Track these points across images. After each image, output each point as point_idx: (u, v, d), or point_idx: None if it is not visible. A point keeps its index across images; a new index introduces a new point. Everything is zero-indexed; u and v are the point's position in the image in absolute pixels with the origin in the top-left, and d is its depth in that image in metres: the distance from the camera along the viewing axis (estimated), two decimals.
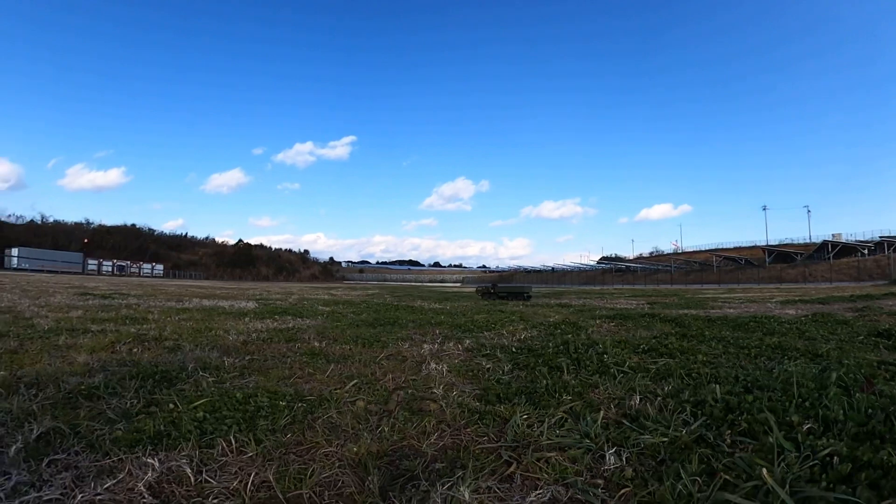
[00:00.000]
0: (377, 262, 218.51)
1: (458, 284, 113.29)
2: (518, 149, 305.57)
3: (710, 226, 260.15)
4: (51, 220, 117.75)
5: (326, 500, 1.76)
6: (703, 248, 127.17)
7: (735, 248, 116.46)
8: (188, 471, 1.90)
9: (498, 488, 1.79)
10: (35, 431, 2.22)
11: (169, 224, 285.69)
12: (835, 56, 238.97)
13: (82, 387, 2.99)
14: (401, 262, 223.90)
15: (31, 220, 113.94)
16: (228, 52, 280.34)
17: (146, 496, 1.73)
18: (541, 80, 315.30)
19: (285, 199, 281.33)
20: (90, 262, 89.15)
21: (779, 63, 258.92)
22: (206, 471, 1.94)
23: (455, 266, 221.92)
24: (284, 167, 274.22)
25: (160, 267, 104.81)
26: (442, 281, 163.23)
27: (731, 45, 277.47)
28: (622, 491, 1.74)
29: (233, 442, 2.20)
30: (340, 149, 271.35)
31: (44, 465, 1.91)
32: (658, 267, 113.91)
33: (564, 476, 1.87)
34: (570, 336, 6.09)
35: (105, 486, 1.76)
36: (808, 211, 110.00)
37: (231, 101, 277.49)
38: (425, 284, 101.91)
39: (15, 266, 72.34)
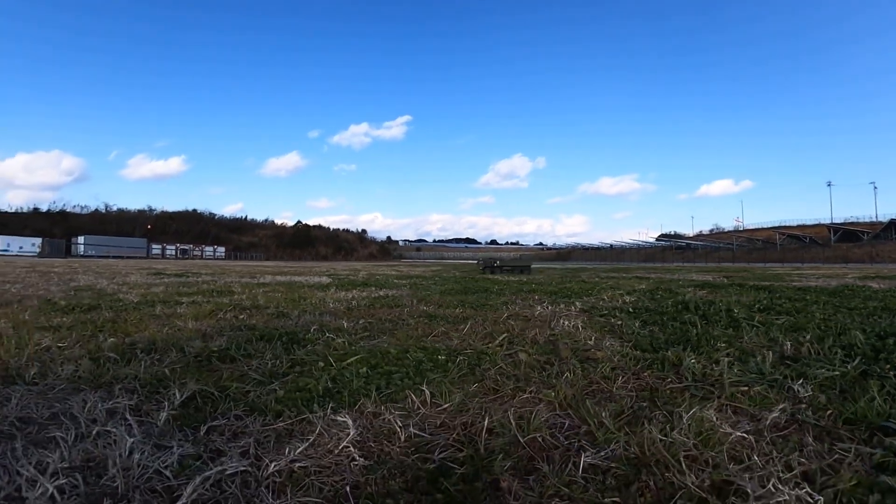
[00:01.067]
0: (434, 241, 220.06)
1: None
2: (575, 124, 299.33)
3: (772, 202, 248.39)
4: (114, 208, 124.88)
5: (564, 440, 1.66)
6: (765, 226, 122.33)
7: (798, 226, 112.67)
8: (397, 426, 1.67)
9: (718, 417, 1.82)
10: (178, 397, 1.98)
11: (229, 208, 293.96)
12: None
13: (213, 349, 2.79)
14: (457, 240, 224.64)
15: (96, 210, 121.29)
16: (282, 37, 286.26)
17: (357, 457, 1.46)
18: (597, 52, 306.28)
19: (342, 180, 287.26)
20: (154, 246, 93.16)
21: (844, 31, 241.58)
22: (412, 424, 1.72)
23: (512, 244, 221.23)
24: (340, 149, 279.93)
25: (222, 249, 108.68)
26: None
27: (795, 12, 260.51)
28: (828, 412, 1.88)
29: (425, 394, 2.02)
30: (396, 129, 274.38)
31: (202, 432, 1.65)
32: (720, 245, 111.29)
33: (767, 404, 1.97)
34: (679, 297, 6.19)
35: (299, 449, 1.48)
36: (875, 187, 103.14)
37: (286, 86, 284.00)
38: None
39: (81, 253, 76.62)
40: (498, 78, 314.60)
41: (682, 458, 1.44)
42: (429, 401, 1.96)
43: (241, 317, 4.39)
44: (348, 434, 1.58)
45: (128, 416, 1.74)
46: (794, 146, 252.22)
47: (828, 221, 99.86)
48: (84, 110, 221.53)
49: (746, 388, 2.17)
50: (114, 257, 64.48)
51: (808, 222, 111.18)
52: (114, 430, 1.60)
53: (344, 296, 6.75)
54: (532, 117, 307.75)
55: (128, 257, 68.77)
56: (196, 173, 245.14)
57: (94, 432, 1.61)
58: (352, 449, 1.49)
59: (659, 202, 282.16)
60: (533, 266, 21.55)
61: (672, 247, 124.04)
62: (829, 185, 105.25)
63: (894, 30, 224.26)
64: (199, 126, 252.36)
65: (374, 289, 8.31)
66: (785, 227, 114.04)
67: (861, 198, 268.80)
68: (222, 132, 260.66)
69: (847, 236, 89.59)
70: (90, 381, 2.25)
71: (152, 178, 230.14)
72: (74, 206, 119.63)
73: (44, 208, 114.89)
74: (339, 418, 1.70)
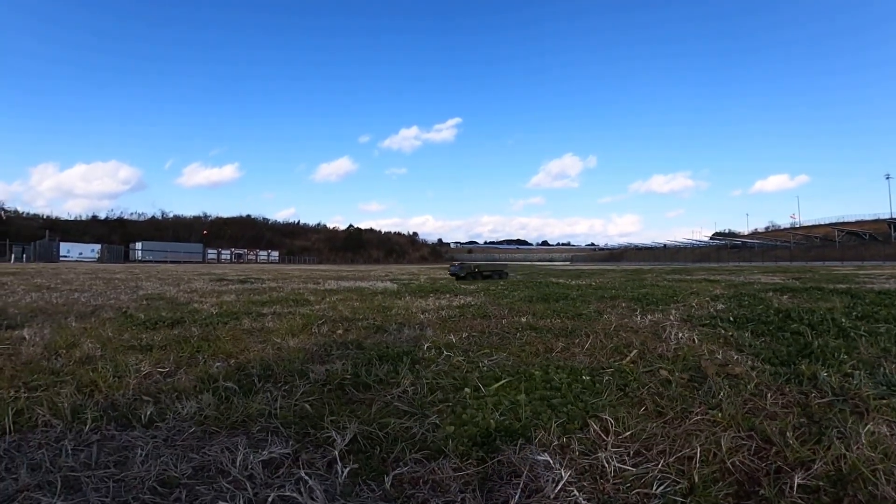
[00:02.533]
0: (485, 242, 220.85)
1: (568, 263, 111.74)
2: (626, 121, 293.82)
3: (828, 197, 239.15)
4: (170, 215, 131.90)
5: (761, 462, 1.66)
6: (822, 223, 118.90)
7: (857, 222, 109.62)
8: (604, 462, 1.61)
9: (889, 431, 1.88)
10: (341, 441, 1.77)
11: (282, 213, 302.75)
12: None
13: (346, 376, 2.65)
14: (509, 242, 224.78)
15: (153, 217, 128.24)
16: (331, 42, 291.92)
17: (582, 501, 1.37)
18: (646, 43, 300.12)
19: (393, 183, 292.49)
20: (210, 251, 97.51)
21: None
22: (613, 458, 1.65)
23: (563, 244, 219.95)
24: (391, 153, 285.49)
25: (275, 253, 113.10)
26: (551, 260, 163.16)
27: None
28: None
29: (607, 422, 1.94)
30: (446, 132, 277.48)
31: (387, 484, 1.47)
32: (776, 243, 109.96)
33: None
34: (772, 305, 6.21)
35: (515, 499, 1.39)
36: None
37: (336, 92, 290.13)
38: (535, 263, 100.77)
39: (139, 258, 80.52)
40: (546, 73, 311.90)
41: (879, 473, 1.51)
42: (611, 430, 1.87)
43: (339, 332, 4.34)
44: (559, 475, 1.48)
45: (300, 472, 1.51)
46: (851, 136, 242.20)
47: (887, 216, 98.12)
48: (139, 118, 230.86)
49: (885, 401, 2.23)
50: (171, 262, 67.09)
51: (867, 217, 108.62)
52: (294, 494, 1.39)
53: (425, 304, 6.73)
54: (583, 114, 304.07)
55: (185, 262, 71.55)
56: (249, 179, 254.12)
57: (269, 499, 1.37)
58: (576, 493, 1.40)
59: (712, 199, 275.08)
60: (586, 267, 21.32)
61: (727, 246, 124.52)
62: (887, 177, 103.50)
63: None
64: (251, 132, 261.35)
65: (448, 295, 8.24)
66: (843, 224, 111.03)
67: None
68: (274, 138, 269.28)
69: None
70: (218, 421, 2.02)
71: (207, 185, 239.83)
72: (132, 214, 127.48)
73: (102, 216, 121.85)
74: (535, 457, 1.60)
